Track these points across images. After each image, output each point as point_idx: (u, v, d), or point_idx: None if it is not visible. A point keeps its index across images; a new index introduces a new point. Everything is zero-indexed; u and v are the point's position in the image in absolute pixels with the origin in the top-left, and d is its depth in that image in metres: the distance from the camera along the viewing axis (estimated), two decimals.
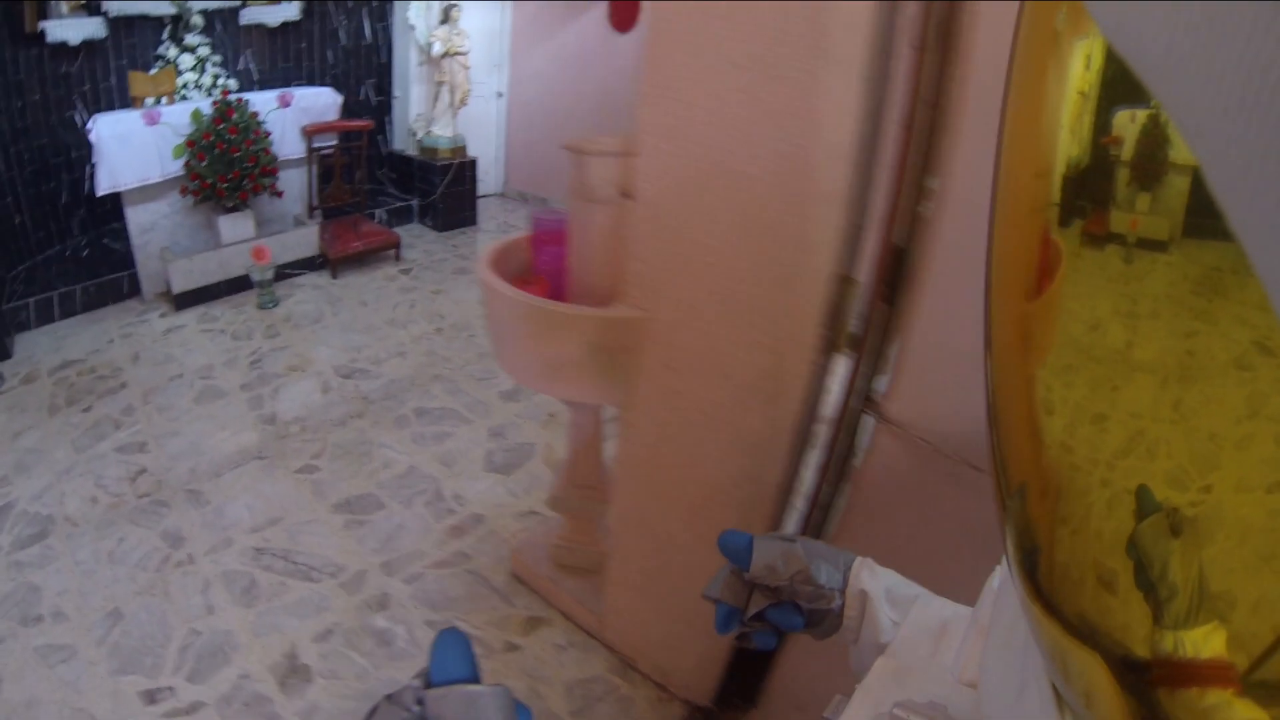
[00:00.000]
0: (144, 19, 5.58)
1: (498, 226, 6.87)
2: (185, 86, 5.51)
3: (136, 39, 5.63)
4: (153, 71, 5.56)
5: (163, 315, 5.01)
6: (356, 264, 5.71)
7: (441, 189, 6.40)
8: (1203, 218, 0.23)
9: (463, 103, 6.38)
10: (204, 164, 4.90)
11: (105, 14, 5.34)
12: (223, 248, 5.13)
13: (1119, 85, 0.26)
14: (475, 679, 0.60)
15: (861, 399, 1.80)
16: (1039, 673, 0.36)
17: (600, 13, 6.31)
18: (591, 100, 6.65)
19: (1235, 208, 0.19)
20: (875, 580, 0.83)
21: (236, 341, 4.64)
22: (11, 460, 3.53)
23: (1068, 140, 0.29)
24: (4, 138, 5.00)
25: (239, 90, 5.86)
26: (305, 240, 5.51)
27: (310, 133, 5.44)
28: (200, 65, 5.72)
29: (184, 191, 5.01)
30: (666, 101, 1.72)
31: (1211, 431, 0.25)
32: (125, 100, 5.61)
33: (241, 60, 6.17)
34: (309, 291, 5.36)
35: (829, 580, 0.84)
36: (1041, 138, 0.31)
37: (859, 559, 0.87)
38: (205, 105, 4.99)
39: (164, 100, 5.07)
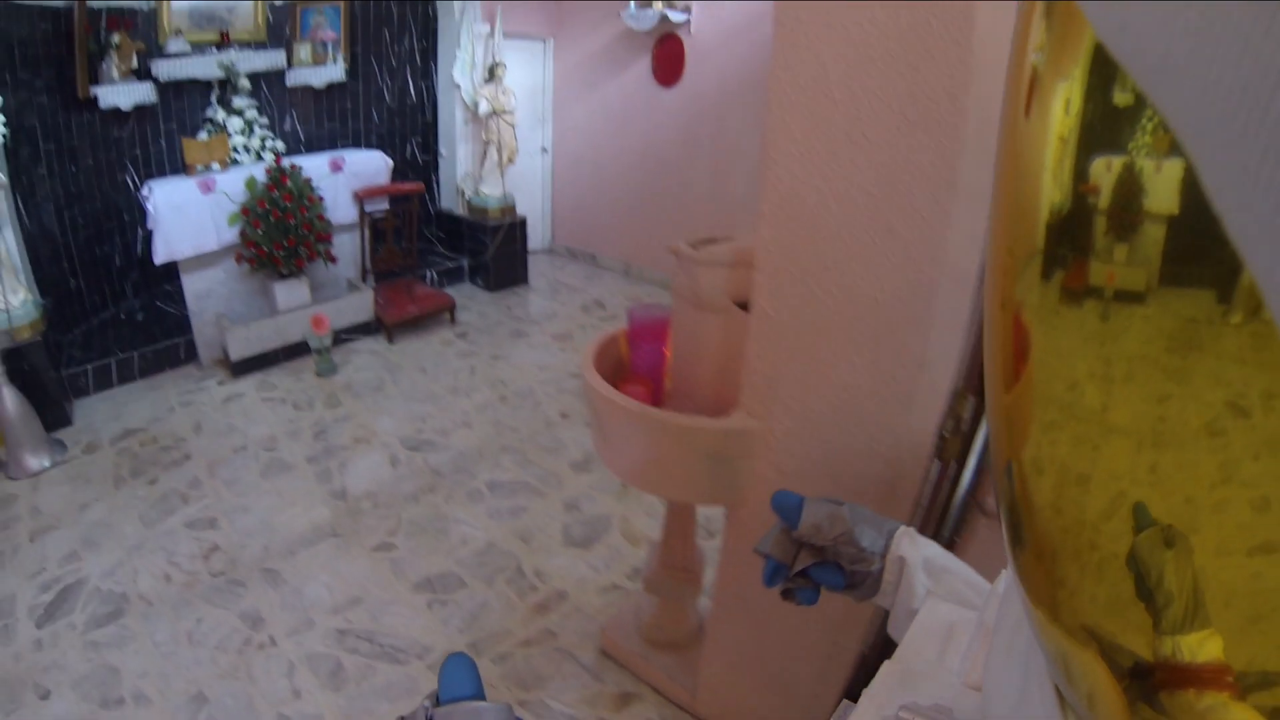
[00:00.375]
0: (192, 83, 5.75)
1: (548, 285, 6.95)
2: (235, 149, 5.62)
3: (186, 103, 5.79)
4: (202, 136, 5.70)
5: (221, 383, 5.07)
6: (412, 328, 5.78)
7: (493, 250, 6.49)
8: (1179, 265, 0.24)
9: (510, 161, 6.48)
10: (260, 231, 5.00)
11: (155, 79, 5.50)
12: (279, 315, 5.20)
13: (1099, 131, 0.26)
14: (480, 696, 0.64)
15: (967, 494, 1.82)
16: (1042, 675, 0.37)
17: (644, 65, 6.45)
18: (635, 153, 6.75)
19: (1232, 213, 0.19)
20: (915, 548, 0.87)
21: (298, 411, 4.69)
22: (80, 535, 3.55)
23: (1051, 187, 0.30)
24: (59, 202, 5.11)
25: (287, 152, 5.98)
26: (360, 305, 5.59)
27: (362, 197, 5.54)
28: (248, 128, 5.84)
29: (239, 259, 5.09)
30: (791, 223, 1.76)
31: (1188, 496, 0.25)
32: (175, 163, 5.74)
33: (288, 121, 6.35)
34: (366, 357, 5.42)
35: (871, 544, 0.89)
36: (1026, 184, 0.31)
37: (902, 527, 0.91)
38: (258, 171, 5.10)
39: (217, 166, 5.17)
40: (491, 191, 6.50)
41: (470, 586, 3.28)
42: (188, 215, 4.85)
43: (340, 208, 5.54)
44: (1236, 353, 0.23)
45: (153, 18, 5.54)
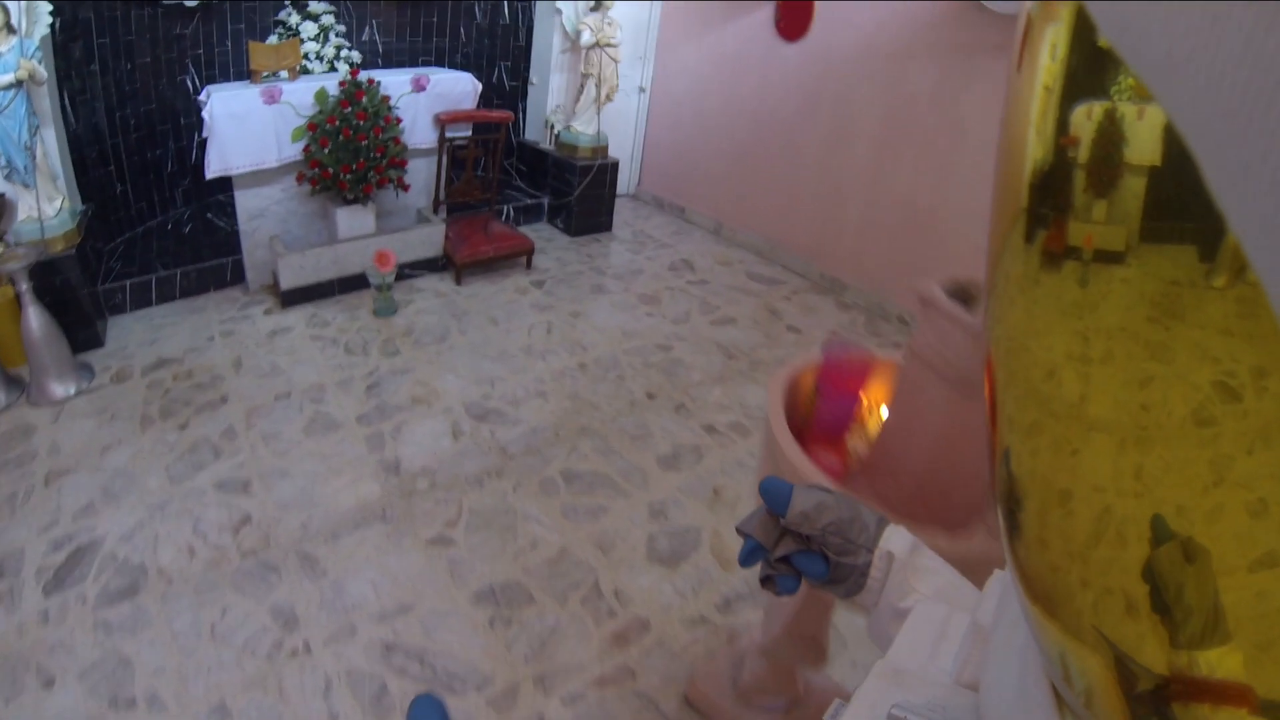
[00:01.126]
0: None
1: (633, 236, 6.41)
2: (306, 57, 5.18)
3: (257, 2, 5.40)
4: (272, 40, 5.25)
5: (268, 312, 4.66)
6: (484, 270, 5.29)
7: (579, 191, 5.96)
8: (1160, 220, 0.24)
9: (609, 98, 5.93)
10: (326, 151, 4.52)
11: None
12: (339, 243, 4.74)
13: (1082, 77, 0.26)
14: None
15: None
16: (1039, 673, 0.36)
17: (766, 14, 5.84)
18: (744, 106, 6.17)
19: (1236, 210, 0.18)
20: (904, 546, 0.85)
21: (350, 356, 4.24)
22: (99, 483, 3.18)
23: (1034, 142, 0.29)
24: (110, 101, 4.75)
25: (364, 65, 5.55)
26: (430, 240, 5.11)
27: (445, 121, 5.01)
28: (323, 35, 5.43)
29: (301, 179, 4.64)
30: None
31: (1179, 504, 0.25)
32: (240, 68, 5.37)
33: (367, 31, 5.91)
34: (431, 299, 4.95)
35: (859, 537, 0.87)
36: (1014, 143, 0.30)
37: (893, 524, 0.89)
38: (331, 83, 4.61)
39: (285, 75, 4.68)
40: (584, 129, 5.97)
41: (540, 604, 2.83)
42: (247, 126, 4.39)
43: (419, 131, 5.04)
44: (1222, 322, 0.22)
45: None
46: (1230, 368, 0.22)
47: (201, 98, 4.39)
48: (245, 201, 4.68)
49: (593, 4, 5.73)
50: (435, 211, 5.27)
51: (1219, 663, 0.24)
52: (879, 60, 5.20)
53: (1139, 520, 0.26)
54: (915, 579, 0.84)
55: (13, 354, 3.80)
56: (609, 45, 5.70)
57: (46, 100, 3.98)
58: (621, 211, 6.59)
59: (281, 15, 5.45)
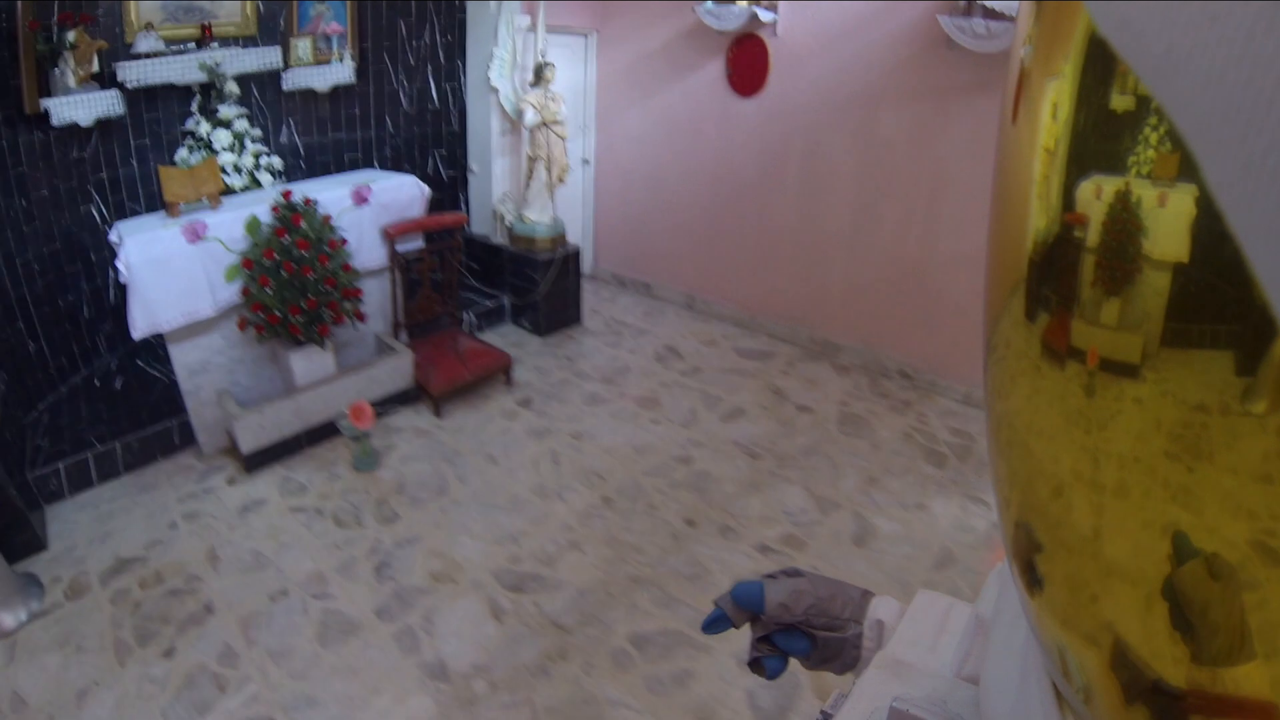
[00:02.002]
0: (168, 89, 4.91)
1: (605, 325, 6.06)
2: (224, 171, 4.77)
3: (160, 113, 4.97)
4: (182, 153, 4.83)
5: (231, 481, 4.16)
6: (461, 395, 4.87)
7: (545, 288, 5.58)
8: (1187, 322, 0.22)
9: (561, 180, 5.62)
10: (269, 291, 4.06)
11: (122, 85, 4.63)
12: (299, 393, 4.28)
13: (1091, 144, 0.24)
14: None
15: None
16: (1039, 670, 0.36)
17: (716, 71, 5.61)
18: (703, 169, 5.97)
19: (1236, 209, 0.18)
20: (893, 612, 0.84)
21: (344, 530, 3.78)
22: None
23: (1036, 209, 0.27)
24: (6, 246, 4.25)
25: (286, 171, 5.16)
26: (398, 372, 4.68)
27: (394, 235, 4.61)
28: (238, 142, 5.01)
29: (244, 325, 4.19)
30: None
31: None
32: (150, 189, 4.93)
33: (284, 132, 5.50)
34: (413, 441, 4.50)
35: (844, 611, 0.87)
36: (1013, 201, 0.30)
37: (879, 595, 0.88)
38: (261, 208, 4.18)
39: (206, 203, 4.21)
40: (539, 217, 5.63)
41: None
42: (172, 272, 3.92)
43: (365, 249, 4.62)
44: (1261, 465, 0.21)
45: (116, 10, 4.68)
46: (1271, 526, 0.20)
47: (113, 237, 3.92)
48: (182, 356, 4.19)
49: (532, 79, 5.40)
50: (396, 335, 4.83)
51: (1244, 679, 0.23)
52: (846, 109, 5.07)
53: (1162, 539, 0.24)
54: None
55: None
56: (555, 123, 5.36)
57: None
58: (585, 296, 6.21)
59: (189, 125, 4.99)
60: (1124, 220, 0.23)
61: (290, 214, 4.12)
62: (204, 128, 4.93)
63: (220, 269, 4.08)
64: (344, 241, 4.37)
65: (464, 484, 4.10)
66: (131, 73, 4.62)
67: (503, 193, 5.93)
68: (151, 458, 4.31)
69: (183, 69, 4.78)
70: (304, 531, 3.77)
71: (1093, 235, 0.24)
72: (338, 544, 3.68)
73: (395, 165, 5.86)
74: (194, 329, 4.12)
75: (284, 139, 5.48)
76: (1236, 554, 0.22)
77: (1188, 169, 0.20)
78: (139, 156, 4.93)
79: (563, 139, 5.49)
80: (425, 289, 4.86)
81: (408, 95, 5.91)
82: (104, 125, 4.67)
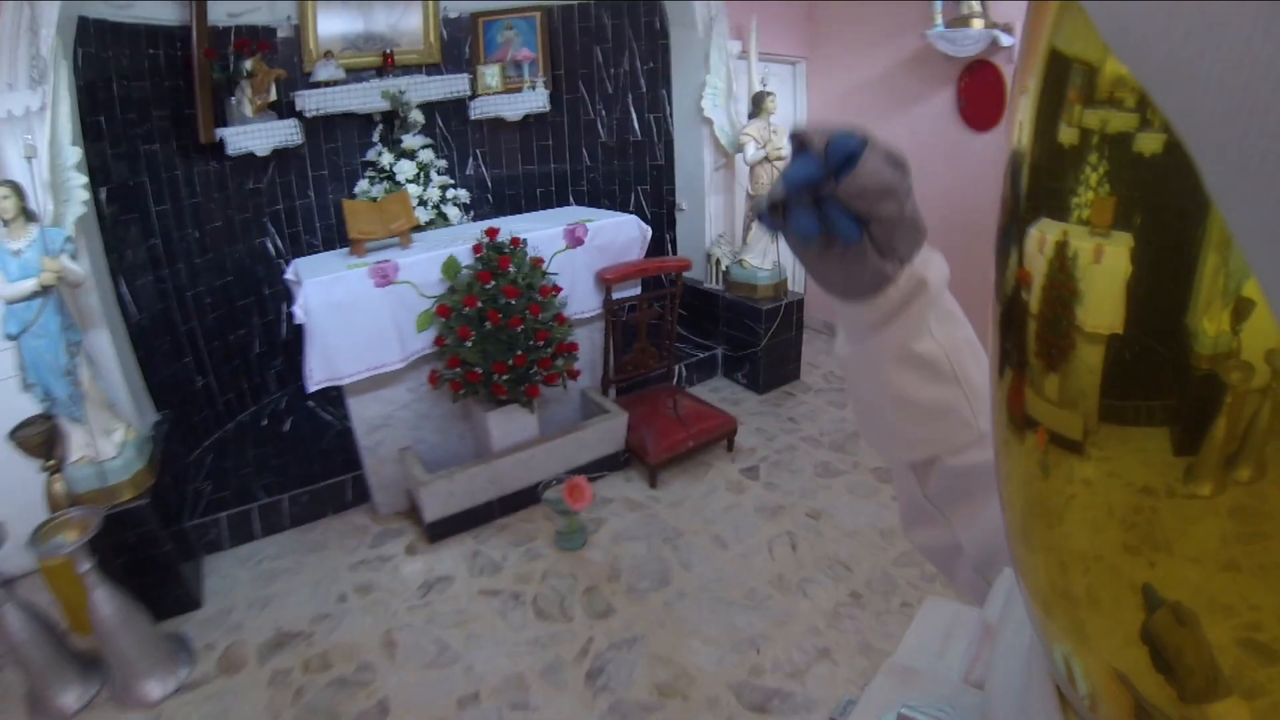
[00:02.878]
0: (348, 119, 4.59)
1: (825, 380, 5.24)
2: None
3: (340, 143, 4.65)
4: (362, 185, 4.42)
5: (411, 551, 3.56)
6: (677, 462, 4.13)
7: (765, 340, 4.82)
8: (1121, 397, 0.21)
9: None
10: (469, 344, 3.43)
11: (300, 114, 4.31)
12: (495, 459, 3.63)
13: (1042, 176, 0.23)
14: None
15: None
16: (1044, 674, 0.35)
17: (945, 101, 4.78)
18: (928, 212, 5.03)
19: (1235, 212, 0.18)
20: (940, 278, 0.66)
21: (547, 624, 3.09)
22: None
23: (1007, 242, 0.26)
24: (178, 278, 3.92)
25: (474, 206, 4.74)
26: (610, 435, 4.00)
27: (610, 281, 3.94)
28: (423, 174, 4.53)
29: (436, 381, 3.61)
30: None
31: None
32: (328, 220, 4.61)
33: (470, 164, 5.08)
34: (625, 515, 3.80)
35: (902, 243, 0.64)
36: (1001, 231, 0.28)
37: (928, 246, 0.67)
38: (461, 249, 3.59)
39: (397, 244, 3.67)
40: (760, 262, 4.89)
41: None
42: (356, 319, 3.36)
43: (576, 296, 3.99)
44: (1222, 552, 0.20)
45: (295, 38, 4.41)
46: (1253, 619, 0.20)
47: (289, 275, 3.41)
48: (362, 410, 3.63)
49: (751, 109, 4.70)
50: (605, 393, 4.16)
51: (1229, 714, 0.22)
52: None
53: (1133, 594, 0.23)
54: (935, 321, 0.65)
55: (83, 621, 2.75)
56: (779, 159, 4.64)
57: (94, 297, 3.10)
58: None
59: (370, 156, 4.56)
60: (1060, 283, 0.22)
61: (496, 255, 3.53)
62: (386, 158, 4.54)
63: (411, 316, 3.53)
64: (558, 290, 3.73)
65: (689, 572, 3.35)
66: (311, 101, 4.32)
67: (718, 234, 5.24)
68: (321, 512, 3.80)
69: (364, 97, 4.45)
70: (498, 621, 3.10)
71: (1034, 301, 0.23)
72: (540, 641, 2.99)
73: (592, 201, 5.35)
74: (378, 379, 3.57)
75: (470, 171, 5.07)
76: (1228, 658, 0.21)
77: (1123, 216, 0.20)
78: (316, 188, 4.60)
79: None
80: (641, 341, 4.19)
81: (605, 126, 5.37)
82: (281, 156, 4.36)
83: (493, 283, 3.45)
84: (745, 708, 2.65)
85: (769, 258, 4.87)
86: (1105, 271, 0.20)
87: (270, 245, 4.52)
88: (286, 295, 3.92)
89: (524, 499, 3.79)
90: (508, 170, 5.17)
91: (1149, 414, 0.20)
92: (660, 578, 3.32)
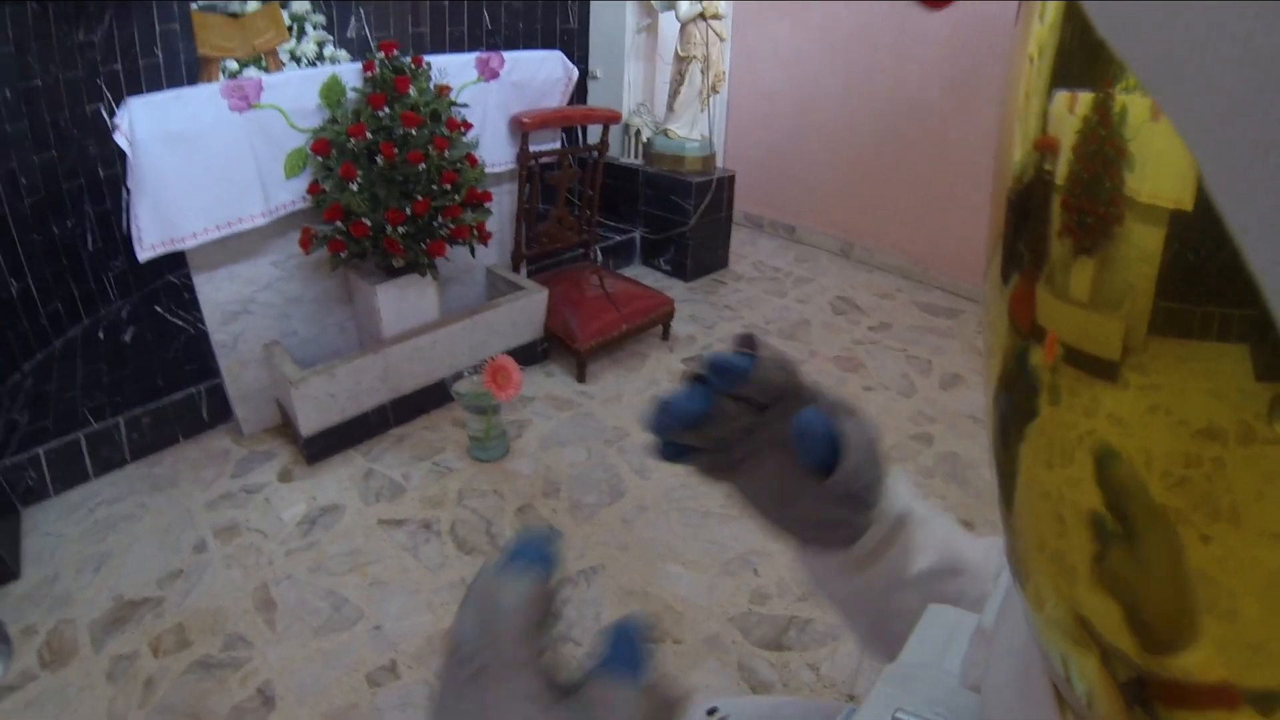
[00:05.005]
0: None
1: (756, 269, 4.41)
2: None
3: None
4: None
5: (287, 477, 2.58)
6: (607, 352, 3.22)
7: (696, 218, 3.92)
8: (1187, 301, 0.16)
9: (715, 89, 3.98)
10: (354, 187, 2.42)
11: None
12: (388, 346, 2.64)
13: (1074, 49, 0.18)
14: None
15: None
16: (1040, 673, 0.30)
17: None
18: (872, 96, 4.44)
19: (1235, 211, 0.15)
20: (911, 495, 0.57)
21: (474, 558, 2.25)
22: None
23: (1018, 136, 0.20)
24: None
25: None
26: (527, 318, 3.04)
27: (528, 129, 2.95)
28: (297, 26, 3.44)
29: (309, 241, 2.53)
30: None
31: None
32: (178, 84, 3.31)
33: (352, 25, 3.92)
34: (553, 414, 2.90)
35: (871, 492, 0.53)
36: (1002, 123, 0.22)
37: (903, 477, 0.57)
38: (346, 70, 2.56)
39: (257, 67, 2.61)
40: (688, 133, 3.97)
41: None
42: (203, 154, 2.29)
43: (487, 145, 2.97)
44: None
45: None
46: None
47: (118, 117, 2.22)
48: (214, 293, 2.58)
49: None
50: (515, 269, 3.19)
51: (1194, 666, 0.18)
52: None
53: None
54: (920, 537, 0.55)
55: None
56: (715, 17, 3.73)
57: None
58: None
59: (233, 8, 3.38)
60: (1100, 141, 0.16)
61: (393, 76, 2.48)
62: (252, 7, 3.33)
63: (279, 156, 2.48)
64: (468, 126, 2.72)
65: (646, 480, 2.48)
66: None
67: (637, 103, 4.28)
68: (169, 439, 2.73)
69: None
70: (409, 561, 2.17)
71: (1061, 168, 0.18)
72: (467, 581, 2.04)
73: None
74: (233, 250, 2.52)
75: (351, 34, 3.92)
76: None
77: None
78: (166, 44, 3.36)
79: (722, 38, 3.88)
80: (559, 209, 3.22)
81: None
82: (120, 3, 3.14)
83: (387, 109, 2.42)
84: (757, 645, 1.84)
85: (698, 128, 3.97)
86: (1165, 134, 0.15)
87: (105, 114, 3.27)
88: (124, 170, 2.79)
89: (425, 400, 2.85)
90: (396, 32, 4.08)
91: (1225, 324, 0.14)
92: (611, 489, 2.44)
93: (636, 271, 4.28)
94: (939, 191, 4.17)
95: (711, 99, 3.96)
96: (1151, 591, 0.18)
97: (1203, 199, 0.15)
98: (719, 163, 4.20)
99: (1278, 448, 0.14)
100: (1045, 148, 0.19)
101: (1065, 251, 0.18)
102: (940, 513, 0.58)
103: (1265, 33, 0.14)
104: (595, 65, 4.43)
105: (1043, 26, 0.19)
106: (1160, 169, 0.15)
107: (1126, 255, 0.16)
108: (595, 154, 3.23)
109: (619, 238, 4.23)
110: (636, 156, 4.23)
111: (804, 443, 0.50)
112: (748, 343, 0.51)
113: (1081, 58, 0.17)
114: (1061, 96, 0.18)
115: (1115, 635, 0.20)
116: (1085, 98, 0.17)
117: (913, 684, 0.47)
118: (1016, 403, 0.21)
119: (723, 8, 3.84)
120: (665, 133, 4.01)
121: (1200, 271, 0.15)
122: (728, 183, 4.08)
